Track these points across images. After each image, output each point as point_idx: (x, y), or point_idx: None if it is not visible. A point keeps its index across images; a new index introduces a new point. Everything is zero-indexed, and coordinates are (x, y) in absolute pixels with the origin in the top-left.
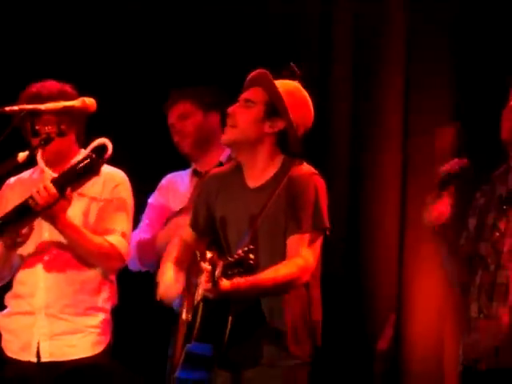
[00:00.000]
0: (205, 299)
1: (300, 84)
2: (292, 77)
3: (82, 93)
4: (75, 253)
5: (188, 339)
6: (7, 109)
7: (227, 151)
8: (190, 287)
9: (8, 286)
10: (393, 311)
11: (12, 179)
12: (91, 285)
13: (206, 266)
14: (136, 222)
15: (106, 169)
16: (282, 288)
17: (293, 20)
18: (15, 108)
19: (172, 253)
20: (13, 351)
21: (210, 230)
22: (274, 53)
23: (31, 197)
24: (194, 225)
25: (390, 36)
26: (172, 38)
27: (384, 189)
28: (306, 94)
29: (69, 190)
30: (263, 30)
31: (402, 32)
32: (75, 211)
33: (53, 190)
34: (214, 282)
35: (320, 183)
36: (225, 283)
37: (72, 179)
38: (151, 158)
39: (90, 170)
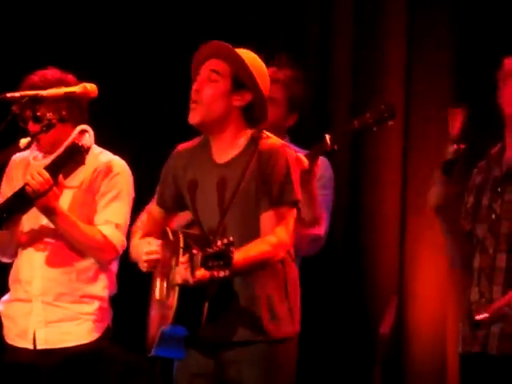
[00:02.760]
0: (180, 285)
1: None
2: (388, 116)
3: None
4: (68, 242)
5: (164, 321)
6: (8, 95)
7: None
8: (163, 266)
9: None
10: (395, 295)
11: (18, 155)
12: (87, 273)
13: (183, 256)
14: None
15: (106, 157)
16: (257, 267)
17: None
18: (17, 94)
19: (140, 229)
20: (11, 338)
21: (177, 206)
22: (273, 37)
23: (27, 184)
24: (161, 202)
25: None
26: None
27: (385, 173)
28: (260, 60)
29: (60, 176)
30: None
31: (403, 12)
32: (67, 200)
33: (47, 175)
34: (193, 272)
35: (290, 155)
36: (202, 273)
37: (61, 166)
38: (157, 145)
39: (75, 157)
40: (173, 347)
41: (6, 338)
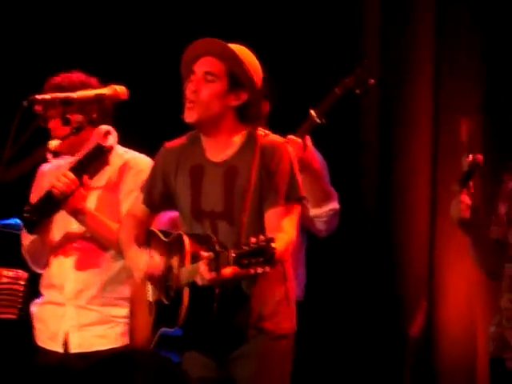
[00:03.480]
0: (191, 285)
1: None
2: (367, 75)
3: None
4: (99, 243)
5: (169, 323)
6: (39, 97)
7: None
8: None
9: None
10: (424, 297)
11: (46, 165)
12: (120, 276)
13: (208, 253)
14: None
15: (130, 155)
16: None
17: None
18: (47, 96)
19: (127, 234)
20: (41, 340)
21: (164, 205)
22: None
23: (53, 186)
24: (148, 201)
25: (419, 28)
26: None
27: (414, 175)
28: (251, 53)
29: (86, 177)
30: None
31: (432, 22)
32: (93, 200)
33: (72, 176)
34: (219, 271)
35: (291, 152)
36: (230, 271)
37: (86, 167)
38: None
39: (99, 158)
40: (170, 349)
41: (37, 339)
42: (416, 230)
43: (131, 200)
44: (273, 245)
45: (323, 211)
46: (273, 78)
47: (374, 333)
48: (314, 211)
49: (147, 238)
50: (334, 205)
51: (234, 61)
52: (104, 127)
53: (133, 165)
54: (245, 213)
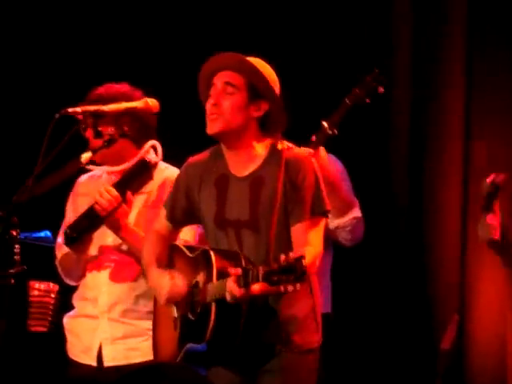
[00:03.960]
0: (218, 301)
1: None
2: (377, 84)
3: (148, 94)
4: (137, 258)
5: (195, 338)
6: (70, 110)
7: None
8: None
9: (75, 286)
10: (456, 311)
11: (83, 177)
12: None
13: (236, 269)
14: None
15: (170, 171)
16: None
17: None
18: (78, 109)
19: (150, 252)
20: (74, 354)
21: (187, 221)
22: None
23: (96, 202)
24: (171, 217)
25: (451, 35)
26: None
27: (445, 189)
28: (269, 66)
29: (129, 193)
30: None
31: (463, 30)
32: (135, 215)
33: (115, 192)
34: (248, 287)
35: (315, 165)
36: (259, 287)
37: (129, 183)
38: None
39: (144, 173)
40: (195, 363)
41: (69, 353)
42: (447, 244)
43: None
44: (304, 262)
45: (345, 220)
46: (286, 91)
47: (406, 345)
48: (336, 222)
49: (170, 253)
50: (356, 213)
51: (252, 73)
52: (151, 142)
53: (171, 182)
54: (271, 223)
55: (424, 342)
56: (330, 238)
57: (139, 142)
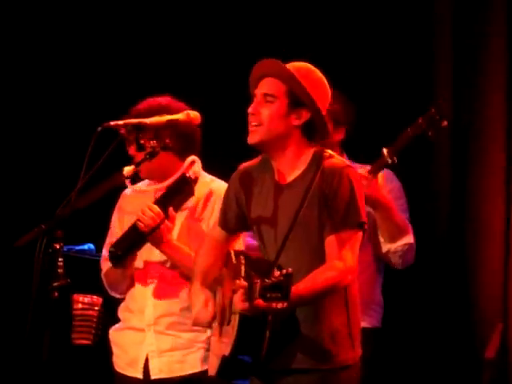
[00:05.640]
0: (241, 313)
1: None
2: (440, 117)
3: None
4: (182, 273)
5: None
6: (112, 123)
7: None
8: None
9: (119, 299)
10: (500, 320)
11: (128, 190)
12: None
13: (241, 282)
14: None
15: (215, 184)
16: (323, 294)
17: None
18: (120, 122)
19: (200, 262)
20: (120, 366)
21: (240, 226)
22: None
23: (138, 220)
24: (224, 223)
25: (492, 35)
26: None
27: (488, 195)
28: (317, 71)
29: (171, 209)
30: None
31: (504, 28)
32: (178, 230)
33: (157, 209)
34: (252, 301)
35: (354, 176)
36: (263, 304)
37: (172, 199)
38: None
39: (185, 189)
40: (236, 374)
41: (115, 366)
42: (491, 253)
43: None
44: (290, 281)
45: (397, 246)
46: (352, 104)
47: (450, 355)
48: (387, 246)
49: (226, 261)
50: (409, 239)
51: (291, 80)
52: (191, 158)
53: (217, 195)
54: (290, 226)
55: (468, 352)
56: (382, 260)
57: (182, 155)
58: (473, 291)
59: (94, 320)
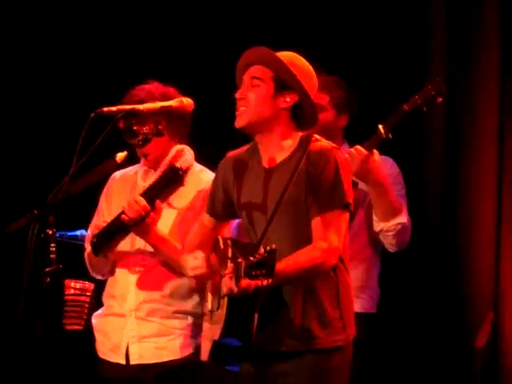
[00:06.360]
0: (229, 296)
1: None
2: (436, 93)
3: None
4: (165, 263)
5: (219, 333)
6: (105, 110)
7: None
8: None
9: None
10: (491, 309)
11: (117, 173)
12: (182, 290)
13: (228, 266)
14: None
15: (206, 175)
16: (306, 274)
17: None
18: (113, 109)
19: (191, 243)
20: (103, 352)
21: (228, 214)
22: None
23: (123, 212)
24: (212, 210)
25: (485, 49)
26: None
27: (480, 186)
28: (304, 60)
29: (158, 201)
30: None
31: (496, 26)
32: (167, 222)
33: (143, 202)
34: (238, 281)
35: (340, 157)
36: (247, 283)
37: (159, 191)
38: None
39: (174, 181)
40: (228, 358)
41: (99, 352)
42: (482, 242)
43: None
44: (274, 256)
45: (390, 225)
46: (354, 90)
47: (440, 344)
48: (380, 225)
49: (214, 247)
50: (402, 219)
51: (277, 64)
52: (176, 147)
53: (208, 185)
54: (275, 207)
55: (459, 341)
56: (379, 244)
57: (175, 141)
58: (464, 280)
59: (86, 306)
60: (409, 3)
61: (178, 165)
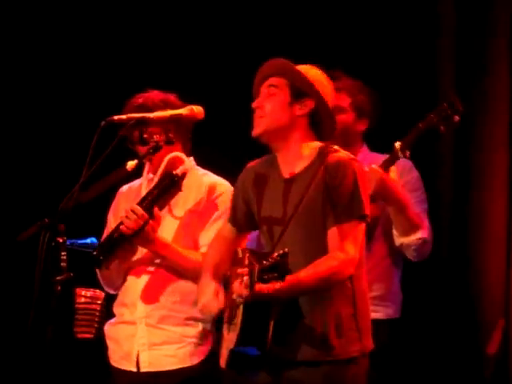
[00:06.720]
0: (244, 303)
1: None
2: (452, 112)
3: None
4: (169, 268)
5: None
6: (116, 118)
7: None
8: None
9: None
10: (502, 316)
11: (124, 187)
12: (191, 296)
13: (241, 270)
14: None
15: (209, 179)
16: (324, 285)
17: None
18: (123, 117)
19: (211, 257)
20: (115, 360)
21: (249, 224)
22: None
23: (121, 222)
24: (233, 220)
25: (496, 47)
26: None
27: (491, 187)
28: (319, 70)
29: (156, 209)
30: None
31: (507, 26)
32: (170, 228)
33: (140, 211)
34: (252, 286)
35: (358, 169)
36: (261, 287)
37: (156, 198)
38: None
39: (171, 187)
40: (245, 366)
41: (110, 360)
42: (493, 248)
43: (215, 227)
44: (286, 259)
45: (410, 240)
46: (378, 98)
47: (453, 351)
48: (400, 240)
49: (234, 259)
50: (422, 234)
51: (293, 72)
52: (173, 154)
53: (212, 188)
54: (292, 218)
55: (469, 347)
56: (399, 253)
57: (186, 149)
58: (476, 287)
59: (97, 314)
60: (417, 4)
61: (174, 171)
